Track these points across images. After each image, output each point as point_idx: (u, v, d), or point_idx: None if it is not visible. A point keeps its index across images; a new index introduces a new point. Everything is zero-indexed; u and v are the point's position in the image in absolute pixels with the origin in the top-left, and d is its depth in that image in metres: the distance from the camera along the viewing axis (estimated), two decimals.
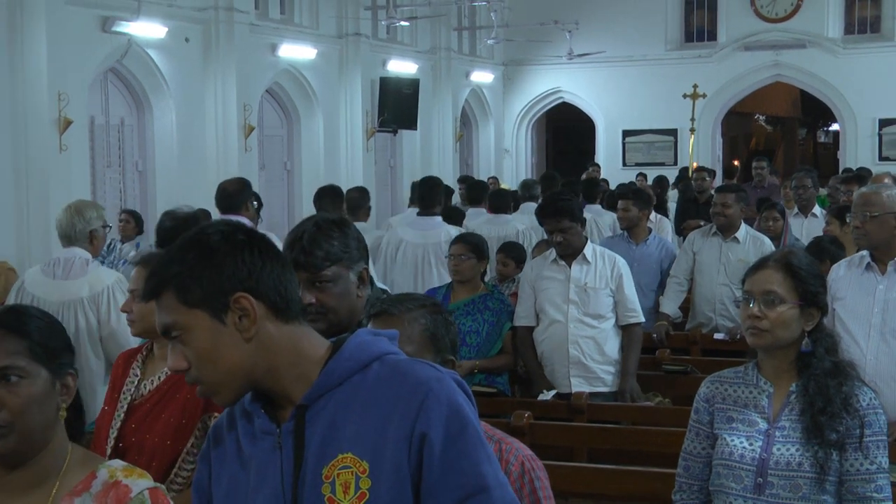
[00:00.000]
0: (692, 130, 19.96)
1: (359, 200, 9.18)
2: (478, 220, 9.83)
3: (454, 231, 8.05)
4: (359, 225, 7.47)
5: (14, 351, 2.22)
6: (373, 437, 2.04)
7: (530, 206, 10.12)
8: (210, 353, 2.07)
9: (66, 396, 2.31)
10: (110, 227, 6.45)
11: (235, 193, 7.23)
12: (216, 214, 7.23)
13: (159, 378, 3.64)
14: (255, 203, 7.51)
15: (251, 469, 2.14)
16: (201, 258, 2.08)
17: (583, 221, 6.26)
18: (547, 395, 6.16)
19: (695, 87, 19.89)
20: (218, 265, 2.08)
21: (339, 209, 8.18)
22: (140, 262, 3.81)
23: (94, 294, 5.69)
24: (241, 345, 2.08)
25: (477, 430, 2.09)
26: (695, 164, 18.41)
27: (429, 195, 8.41)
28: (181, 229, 5.00)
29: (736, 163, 19.30)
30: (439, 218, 8.42)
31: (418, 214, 8.52)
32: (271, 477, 2.10)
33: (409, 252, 8.19)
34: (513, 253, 7.52)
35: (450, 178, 18.23)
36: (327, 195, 8.47)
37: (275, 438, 2.11)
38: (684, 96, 20.06)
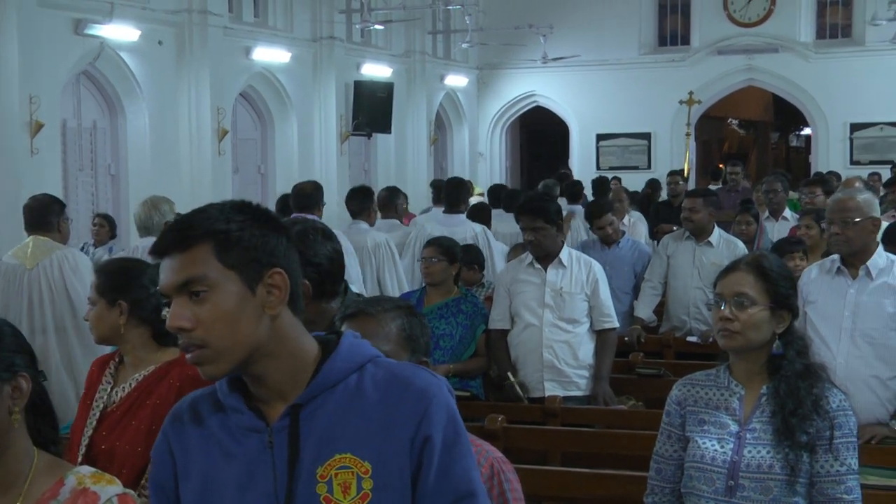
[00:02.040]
0: (688, 135, 20.21)
1: (387, 199, 9.65)
2: (504, 221, 10.37)
3: (479, 228, 8.90)
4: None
5: None
6: (376, 440, 2.05)
7: None
8: (231, 317, 2.03)
9: (18, 399, 2.25)
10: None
11: (311, 194, 7.88)
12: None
13: (130, 385, 3.67)
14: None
15: (233, 467, 2.09)
16: (249, 224, 2.07)
17: (559, 226, 6.25)
18: (512, 380, 6.16)
19: (690, 93, 20.16)
20: (262, 237, 2.07)
21: (369, 209, 8.65)
22: (97, 270, 3.83)
23: None
24: (262, 319, 2.06)
25: (467, 437, 2.13)
26: (686, 168, 18.73)
27: (455, 194, 9.21)
28: None
29: (721, 166, 19.54)
30: (464, 215, 9.12)
31: (444, 212, 9.18)
32: (262, 476, 2.07)
33: None
34: (468, 257, 7.41)
35: (423, 182, 18.22)
36: (357, 196, 8.83)
37: (265, 436, 2.07)
38: (680, 102, 20.37)
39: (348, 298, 3.44)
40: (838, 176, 14.89)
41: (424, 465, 2.05)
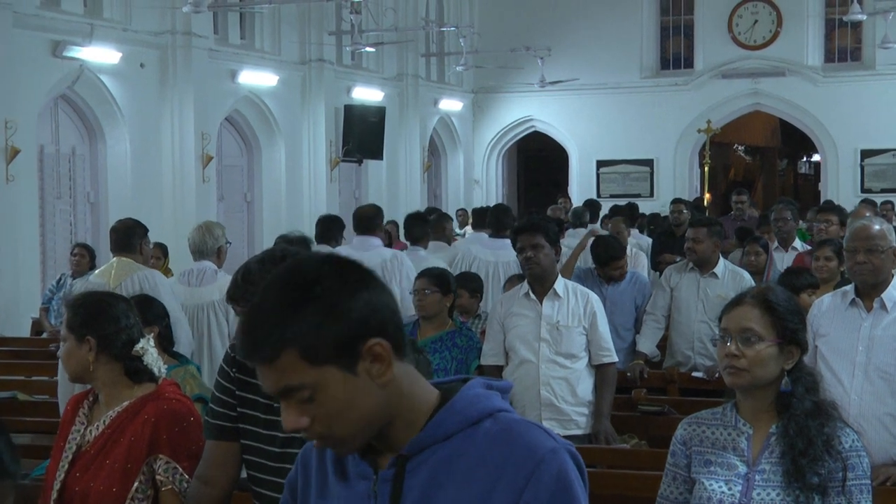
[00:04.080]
0: (705, 164, 20.13)
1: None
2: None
3: None
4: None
5: None
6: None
7: (579, 232, 11.89)
8: (345, 407, 1.95)
9: None
10: (231, 243, 7.51)
11: (373, 217, 8.66)
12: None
13: (103, 423, 3.65)
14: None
15: None
16: (323, 311, 1.92)
17: (557, 248, 6.13)
18: None
19: (708, 122, 20.14)
20: (343, 314, 1.93)
21: (427, 236, 9.49)
22: (67, 305, 3.77)
23: (223, 299, 6.48)
24: (375, 391, 1.97)
25: None
26: (708, 196, 18.40)
27: (502, 219, 9.65)
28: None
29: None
30: (508, 240, 9.37)
31: (490, 236, 9.67)
32: None
33: (481, 268, 9.09)
34: (465, 284, 7.42)
35: (418, 209, 18.19)
36: (416, 222, 9.68)
37: (370, 485, 2.03)
38: (699, 131, 20.41)
39: None
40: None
41: None
